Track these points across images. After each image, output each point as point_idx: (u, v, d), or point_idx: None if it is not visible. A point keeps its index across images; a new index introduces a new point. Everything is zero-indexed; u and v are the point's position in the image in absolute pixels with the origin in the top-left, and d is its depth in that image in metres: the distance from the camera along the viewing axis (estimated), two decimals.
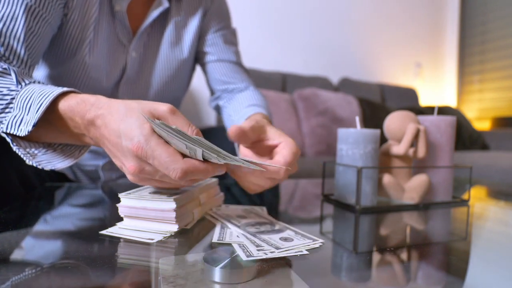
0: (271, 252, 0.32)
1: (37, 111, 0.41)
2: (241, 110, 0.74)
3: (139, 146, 0.34)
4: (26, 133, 0.42)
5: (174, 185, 0.40)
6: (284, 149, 0.45)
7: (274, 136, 0.48)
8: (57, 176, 0.78)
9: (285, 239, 0.37)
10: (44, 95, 0.42)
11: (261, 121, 0.49)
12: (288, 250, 0.34)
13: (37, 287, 0.27)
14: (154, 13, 0.71)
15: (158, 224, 0.39)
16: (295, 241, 0.37)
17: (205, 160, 0.35)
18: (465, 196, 0.66)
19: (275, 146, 0.47)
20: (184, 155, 0.35)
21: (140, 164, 0.36)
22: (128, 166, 0.36)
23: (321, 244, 0.36)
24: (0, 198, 0.58)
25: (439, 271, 0.34)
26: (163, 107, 0.38)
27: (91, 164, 0.78)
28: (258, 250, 0.33)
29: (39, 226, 0.43)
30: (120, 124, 0.36)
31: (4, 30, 0.52)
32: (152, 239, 0.37)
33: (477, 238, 0.45)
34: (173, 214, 0.38)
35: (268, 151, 0.49)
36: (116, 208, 0.40)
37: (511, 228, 0.50)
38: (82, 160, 0.78)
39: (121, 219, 0.41)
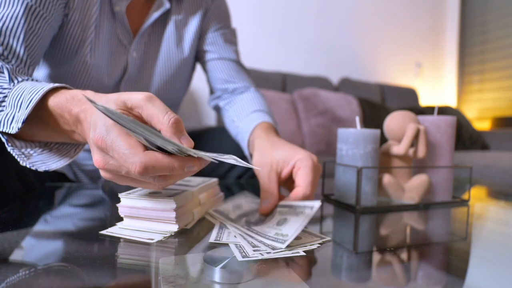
0: (267, 253, 0.32)
1: (27, 107, 0.41)
2: (245, 117, 0.73)
3: (99, 137, 0.31)
4: (17, 130, 0.42)
5: (153, 185, 0.34)
6: (302, 172, 0.47)
7: (285, 159, 0.49)
8: (57, 176, 0.78)
9: (284, 221, 0.38)
10: (34, 92, 0.41)
11: (267, 156, 0.51)
12: (285, 250, 0.34)
13: (37, 287, 0.27)
14: (155, 14, 0.71)
15: (158, 224, 0.39)
16: (291, 222, 0.37)
17: (170, 154, 0.31)
18: (465, 196, 0.66)
19: (292, 168, 0.49)
20: (147, 148, 0.31)
21: (104, 157, 0.32)
22: (94, 160, 0.33)
23: (316, 206, 0.38)
24: (0, 198, 0.58)
25: (439, 271, 0.34)
26: (138, 96, 0.34)
27: (91, 164, 0.78)
28: (254, 250, 0.33)
29: (39, 226, 0.43)
30: (93, 116, 0.34)
31: (4, 29, 0.52)
32: (152, 239, 0.37)
33: (477, 238, 0.45)
34: (173, 214, 0.38)
35: (287, 173, 0.50)
36: (116, 208, 0.40)
37: (511, 228, 0.50)
38: (82, 160, 0.78)
39: (121, 219, 0.41)
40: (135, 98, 0.34)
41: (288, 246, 0.34)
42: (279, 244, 0.34)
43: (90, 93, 0.40)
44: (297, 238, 0.38)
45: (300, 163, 0.47)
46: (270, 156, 0.50)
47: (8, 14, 0.53)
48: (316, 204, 0.39)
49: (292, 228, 0.37)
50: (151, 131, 0.30)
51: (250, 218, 0.44)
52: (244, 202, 0.51)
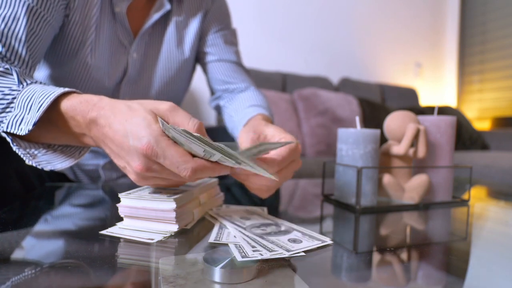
0: (268, 253, 0.32)
1: (38, 110, 0.42)
2: (242, 111, 0.74)
3: (149, 146, 0.35)
4: (27, 132, 0.42)
5: (176, 181, 0.41)
6: (281, 150, 0.44)
7: (273, 135, 0.48)
8: (57, 176, 0.78)
9: (294, 241, 0.37)
10: (46, 95, 0.42)
11: (257, 126, 0.49)
12: (284, 251, 0.33)
13: (37, 287, 0.27)
14: (156, 15, 0.71)
15: (158, 224, 0.39)
16: (304, 243, 0.36)
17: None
18: (465, 196, 0.66)
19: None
20: (192, 155, 0.36)
21: (148, 163, 0.36)
22: (135, 166, 0.37)
23: (330, 243, 0.37)
24: (0, 198, 0.58)
25: (439, 271, 0.34)
26: (163, 106, 0.39)
27: (92, 164, 0.78)
28: (253, 250, 0.33)
29: (39, 226, 0.43)
30: (126, 124, 0.37)
31: (6, 30, 0.52)
32: (152, 239, 0.37)
33: (477, 238, 0.45)
34: (173, 214, 0.38)
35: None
36: (116, 208, 0.40)
37: (511, 228, 0.50)
38: (82, 160, 0.78)
39: (121, 219, 0.41)
40: (162, 109, 0.39)
41: (288, 251, 0.34)
42: (282, 250, 0.34)
43: (105, 99, 0.41)
44: (298, 242, 0.37)
45: (284, 141, 0.45)
46: (259, 129, 0.49)
47: (9, 15, 0.53)
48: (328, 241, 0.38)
49: (300, 247, 0.36)
50: (220, 147, 0.36)
51: (255, 230, 0.42)
52: (256, 215, 0.49)
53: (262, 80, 2.13)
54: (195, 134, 0.35)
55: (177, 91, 0.82)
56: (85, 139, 0.44)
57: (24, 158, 0.45)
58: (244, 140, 0.47)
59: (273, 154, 0.43)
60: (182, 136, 0.34)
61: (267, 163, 0.42)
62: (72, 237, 0.40)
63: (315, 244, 0.36)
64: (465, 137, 2.36)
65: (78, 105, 0.41)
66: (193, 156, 0.37)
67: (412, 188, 0.59)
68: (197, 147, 0.35)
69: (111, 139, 0.38)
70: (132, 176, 0.39)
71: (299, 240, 0.38)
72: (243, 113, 0.72)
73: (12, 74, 0.47)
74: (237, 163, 0.36)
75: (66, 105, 0.42)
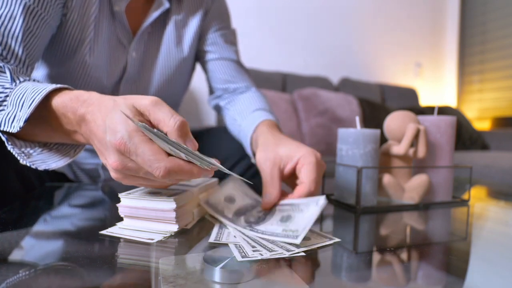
0: (266, 253, 0.32)
1: (29, 106, 0.41)
2: (247, 116, 0.73)
3: (122, 142, 0.33)
4: (18, 129, 0.42)
5: (160, 183, 0.39)
6: (304, 168, 0.47)
7: (289, 155, 0.49)
8: (57, 176, 0.78)
9: (286, 219, 0.37)
10: (37, 91, 0.42)
11: (271, 153, 0.50)
12: (284, 251, 0.33)
13: (37, 287, 0.27)
14: (155, 14, 0.71)
15: (158, 224, 0.39)
16: (296, 218, 0.37)
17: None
18: (465, 196, 0.66)
19: (295, 164, 0.48)
20: (169, 154, 0.35)
21: (123, 160, 0.35)
22: (110, 162, 0.35)
23: (335, 241, 0.37)
24: (0, 198, 0.58)
25: (439, 271, 0.34)
26: (145, 101, 0.36)
27: (91, 163, 0.78)
28: (253, 250, 0.33)
29: (39, 226, 0.43)
30: (106, 119, 0.35)
31: (2, 29, 0.52)
32: (152, 239, 0.37)
33: (477, 238, 0.45)
34: (173, 214, 0.38)
35: (292, 173, 0.50)
36: (116, 208, 0.40)
37: (511, 228, 0.50)
38: (81, 159, 0.78)
39: (121, 219, 0.41)
40: (143, 103, 0.36)
41: (299, 244, 0.34)
42: (292, 240, 0.34)
43: (95, 95, 0.40)
44: (306, 238, 0.37)
45: (304, 160, 0.47)
46: (274, 152, 0.50)
47: (6, 14, 0.53)
48: (321, 199, 0.38)
49: (299, 223, 0.36)
50: (180, 146, 0.34)
51: (248, 217, 0.43)
52: (235, 192, 0.50)
53: (262, 80, 2.13)
54: (154, 130, 0.33)
55: (176, 90, 0.82)
56: (77, 136, 0.43)
57: (19, 158, 0.44)
58: (265, 172, 0.49)
59: (305, 186, 0.45)
60: (145, 130, 0.32)
61: (302, 191, 0.45)
62: (72, 237, 0.40)
63: (321, 241, 0.36)
64: (465, 137, 2.36)
65: (68, 102, 0.41)
66: (170, 155, 0.35)
67: (412, 188, 0.59)
68: (162, 143, 0.33)
69: (95, 135, 0.37)
70: (112, 174, 0.37)
71: (290, 216, 0.39)
72: (250, 118, 0.71)
73: (5, 72, 0.47)
74: (204, 165, 0.34)
75: (57, 102, 0.42)
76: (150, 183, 0.38)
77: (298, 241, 0.34)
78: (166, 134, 0.35)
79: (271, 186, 0.47)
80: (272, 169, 0.48)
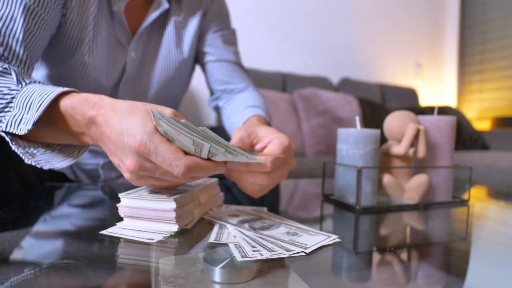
0: (266, 253, 0.32)
1: (38, 109, 0.42)
2: (239, 112, 0.74)
3: (141, 143, 0.34)
4: (26, 131, 0.42)
5: (172, 183, 0.40)
6: (273, 144, 0.45)
7: (265, 135, 0.47)
8: (57, 176, 0.78)
9: (293, 234, 0.37)
10: (45, 94, 0.42)
11: (250, 127, 0.48)
12: (284, 251, 0.33)
13: (37, 287, 0.27)
14: (154, 14, 0.71)
15: (158, 224, 0.39)
16: (303, 236, 0.37)
17: (206, 158, 0.36)
18: (465, 196, 0.66)
19: (267, 144, 0.46)
20: (186, 153, 0.36)
21: (141, 161, 0.36)
22: (127, 163, 0.36)
23: (337, 240, 0.37)
24: (0, 198, 0.58)
25: (439, 271, 0.34)
26: (167, 111, 0.39)
27: (91, 163, 0.78)
28: (253, 250, 0.33)
29: (39, 226, 0.43)
30: (123, 121, 0.37)
31: (3, 30, 0.52)
32: (152, 239, 0.37)
33: (477, 238, 0.45)
34: (173, 214, 0.38)
35: (261, 148, 0.47)
36: (116, 208, 0.40)
37: (511, 228, 0.50)
38: (82, 159, 0.78)
39: (121, 219, 0.41)
40: (164, 112, 0.38)
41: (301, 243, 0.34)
42: (300, 249, 0.34)
43: (106, 99, 0.41)
44: (296, 235, 0.38)
45: (276, 140, 0.45)
46: (251, 129, 0.48)
47: (7, 15, 0.53)
48: (334, 236, 0.38)
49: (308, 240, 0.37)
50: (208, 134, 0.35)
51: (252, 224, 0.43)
52: (238, 212, 0.49)
53: (262, 80, 2.13)
54: (182, 120, 0.34)
55: (176, 91, 0.82)
56: (85, 138, 0.44)
57: (23, 157, 0.45)
58: (234, 138, 0.46)
59: (266, 153, 0.43)
60: (170, 125, 0.34)
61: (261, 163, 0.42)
62: (72, 237, 0.40)
63: (321, 239, 0.36)
64: (465, 137, 2.36)
65: (77, 104, 0.41)
66: (186, 154, 0.36)
67: (412, 188, 0.59)
68: (186, 139, 0.34)
69: (108, 137, 0.38)
70: (126, 175, 0.39)
71: (296, 233, 0.38)
72: (241, 114, 0.72)
73: (11, 74, 0.47)
74: (227, 153, 0.35)
75: (65, 104, 0.42)
76: (162, 183, 0.39)
77: (307, 251, 0.34)
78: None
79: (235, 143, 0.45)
80: (242, 136, 0.46)
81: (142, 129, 0.35)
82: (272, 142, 0.46)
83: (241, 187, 0.45)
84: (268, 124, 0.66)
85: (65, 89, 0.43)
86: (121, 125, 0.37)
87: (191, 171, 0.35)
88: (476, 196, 0.76)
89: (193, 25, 0.78)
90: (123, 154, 0.37)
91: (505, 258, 0.37)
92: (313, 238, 0.37)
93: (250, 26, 2.31)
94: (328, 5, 2.59)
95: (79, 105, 0.41)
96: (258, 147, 0.47)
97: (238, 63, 0.84)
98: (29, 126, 0.42)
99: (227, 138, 0.85)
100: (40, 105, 0.42)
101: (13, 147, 0.45)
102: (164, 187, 0.42)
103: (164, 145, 0.35)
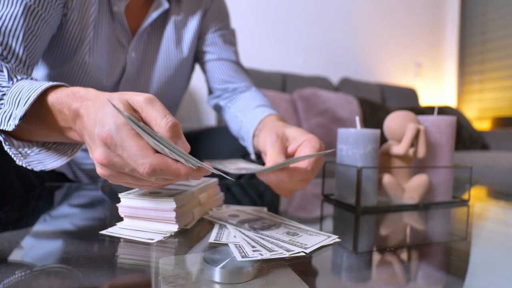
0: (266, 253, 0.32)
1: (25, 103, 0.40)
2: (250, 112, 0.73)
3: (109, 134, 0.32)
4: (14, 127, 0.41)
5: (148, 183, 0.37)
6: (305, 147, 0.46)
7: (296, 137, 0.48)
8: (57, 176, 0.78)
9: (293, 234, 0.37)
10: (33, 89, 0.41)
11: (277, 128, 0.49)
12: (284, 251, 0.33)
13: (37, 287, 0.27)
14: (154, 14, 0.71)
15: (158, 224, 0.39)
16: (303, 236, 0.37)
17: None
18: (465, 196, 0.66)
19: (299, 146, 0.47)
20: (157, 151, 0.33)
21: (109, 154, 0.33)
22: (96, 156, 0.34)
23: (337, 240, 0.37)
24: (0, 198, 0.58)
25: (439, 271, 0.34)
26: (139, 97, 0.35)
27: (91, 163, 0.78)
28: (253, 251, 0.33)
29: (39, 226, 0.43)
30: (98, 112, 0.34)
31: (3, 29, 0.52)
32: (152, 239, 0.37)
33: (477, 238, 0.45)
34: (173, 214, 0.38)
35: (294, 154, 0.49)
36: (116, 208, 0.40)
37: (511, 228, 0.50)
38: (81, 159, 0.78)
39: (121, 219, 0.41)
40: (137, 100, 0.35)
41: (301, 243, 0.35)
42: (300, 249, 0.34)
43: (92, 91, 0.39)
44: (296, 235, 0.38)
45: (308, 143, 0.46)
46: (281, 131, 0.49)
47: (7, 14, 0.53)
48: (334, 236, 0.38)
49: (308, 240, 0.36)
50: (166, 142, 0.32)
51: (253, 224, 0.43)
52: (239, 213, 0.50)
53: (262, 80, 2.13)
54: (141, 123, 0.31)
55: (176, 91, 0.82)
56: (71, 133, 0.42)
57: (15, 158, 0.44)
58: (268, 143, 0.47)
59: (304, 162, 0.44)
60: (130, 122, 0.31)
61: (301, 172, 0.44)
62: (72, 237, 0.40)
63: (321, 239, 0.36)
64: (465, 137, 2.36)
65: (64, 98, 0.40)
66: (157, 152, 0.33)
67: (412, 188, 0.59)
68: (148, 138, 0.31)
69: (86, 128, 0.36)
70: (97, 170, 0.36)
71: (296, 233, 0.38)
72: (253, 113, 0.71)
73: (2, 71, 0.47)
74: (188, 163, 0.32)
75: (53, 98, 0.41)
76: (137, 182, 0.36)
77: (307, 251, 0.34)
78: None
79: (273, 158, 0.45)
80: (275, 143, 0.47)
81: (112, 119, 0.32)
82: (304, 145, 0.46)
83: (274, 189, 0.47)
84: (285, 121, 0.65)
85: (54, 83, 0.42)
86: (96, 116, 0.34)
87: (157, 171, 0.32)
88: (476, 196, 0.76)
89: (193, 24, 0.78)
90: (94, 146, 0.34)
91: (505, 258, 0.37)
92: (313, 238, 0.37)
93: (250, 26, 2.31)
94: (328, 5, 2.59)
95: (66, 99, 0.39)
96: (289, 150, 0.48)
97: (238, 63, 0.84)
98: (16, 122, 0.41)
99: (228, 139, 0.84)
100: (28, 99, 0.40)
101: (6, 147, 0.44)
102: (143, 187, 0.39)
103: (131, 139, 0.32)
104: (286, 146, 0.48)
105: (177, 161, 0.33)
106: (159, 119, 0.34)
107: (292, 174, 0.44)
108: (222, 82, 0.82)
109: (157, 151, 0.33)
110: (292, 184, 0.46)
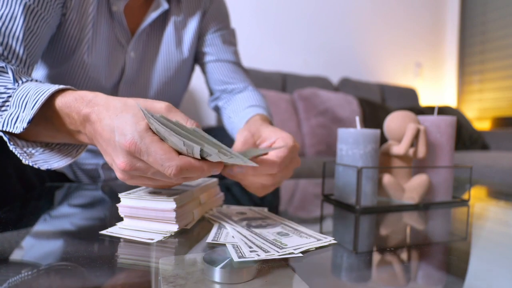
0: (262, 253, 0.32)
1: (33, 107, 0.41)
2: (240, 112, 0.74)
3: (132, 142, 0.33)
4: (22, 130, 0.42)
5: (165, 183, 0.39)
6: (277, 144, 0.45)
7: (269, 135, 0.47)
8: (57, 176, 0.78)
9: (283, 235, 0.37)
10: (41, 92, 0.42)
11: (253, 127, 0.49)
12: (281, 251, 0.33)
13: (37, 287, 0.27)
14: (153, 14, 0.71)
15: (158, 224, 0.39)
16: (294, 237, 0.37)
17: (201, 158, 0.35)
18: (465, 196, 0.66)
19: (272, 144, 0.47)
20: (179, 153, 0.35)
21: (132, 160, 0.35)
22: (118, 163, 0.35)
23: (332, 242, 0.37)
24: (0, 198, 0.58)
25: (439, 271, 0.34)
26: (160, 105, 0.38)
27: (91, 163, 0.78)
28: (250, 251, 0.33)
29: (39, 226, 0.43)
30: (115, 119, 0.36)
31: (3, 29, 0.52)
32: (152, 239, 0.37)
33: (477, 238, 0.45)
34: (173, 214, 0.38)
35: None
36: (116, 208, 0.40)
37: (511, 228, 0.50)
38: (82, 159, 0.78)
39: (121, 219, 0.41)
40: (158, 107, 0.37)
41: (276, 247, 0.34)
42: (275, 248, 0.34)
43: (101, 96, 0.40)
44: (287, 235, 0.38)
45: (281, 140, 0.45)
46: (255, 129, 0.49)
47: (7, 14, 0.53)
48: (329, 238, 0.38)
49: (293, 242, 0.36)
50: (203, 137, 0.35)
51: (251, 222, 0.43)
52: (248, 212, 0.50)
53: (262, 80, 2.13)
54: (173, 120, 0.34)
55: (175, 91, 0.82)
56: (80, 136, 0.43)
57: (21, 158, 0.44)
58: (237, 139, 0.47)
59: (272, 155, 0.43)
60: (160, 124, 0.33)
61: (267, 165, 0.42)
62: (72, 237, 0.40)
63: (311, 241, 0.36)
64: (465, 137, 2.36)
65: (73, 102, 0.40)
66: (180, 154, 0.35)
67: (412, 188, 0.59)
68: (176, 139, 0.33)
69: (100, 135, 0.37)
70: (118, 174, 0.37)
71: (287, 233, 0.38)
72: (242, 114, 0.72)
73: (7, 73, 0.47)
74: (221, 154, 0.34)
75: (60, 102, 0.41)
76: (155, 183, 0.38)
77: (279, 251, 0.33)
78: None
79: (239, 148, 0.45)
80: (246, 138, 0.46)
81: (134, 128, 0.34)
82: (277, 142, 0.46)
83: (244, 186, 0.46)
84: (270, 123, 0.65)
85: (61, 86, 0.43)
86: (113, 123, 0.36)
87: (183, 172, 0.33)
88: (476, 196, 0.76)
89: (192, 25, 0.78)
90: (114, 153, 0.36)
91: (505, 258, 0.37)
92: (301, 240, 0.37)
93: (250, 26, 2.31)
94: (328, 5, 2.59)
95: (74, 103, 0.40)
96: (262, 147, 0.47)
97: (237, 63, 0.84)
98: (25, 124, 0.41)
99: (228, 138, 0.85)
100: (35, 103, 0.41)
101: (11, 147, 0.44)
102: (159, 187, 0.41)
103: (156, 144, 0.33)
104: (257, 143, 0.48)
105: (199, 159, 0.35)
106: (184, 122, 0.37)
107: (257, 167, 0.42)
108: (221, 83, 0.82)
109: (179, 153, 0.35)
110: (258, 178, 0.43)
